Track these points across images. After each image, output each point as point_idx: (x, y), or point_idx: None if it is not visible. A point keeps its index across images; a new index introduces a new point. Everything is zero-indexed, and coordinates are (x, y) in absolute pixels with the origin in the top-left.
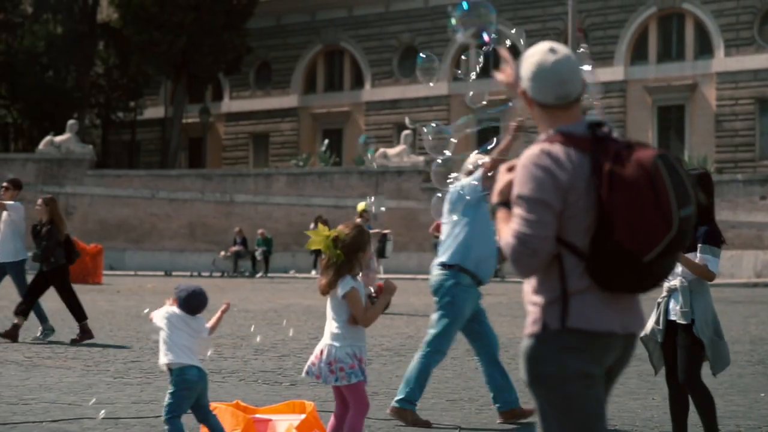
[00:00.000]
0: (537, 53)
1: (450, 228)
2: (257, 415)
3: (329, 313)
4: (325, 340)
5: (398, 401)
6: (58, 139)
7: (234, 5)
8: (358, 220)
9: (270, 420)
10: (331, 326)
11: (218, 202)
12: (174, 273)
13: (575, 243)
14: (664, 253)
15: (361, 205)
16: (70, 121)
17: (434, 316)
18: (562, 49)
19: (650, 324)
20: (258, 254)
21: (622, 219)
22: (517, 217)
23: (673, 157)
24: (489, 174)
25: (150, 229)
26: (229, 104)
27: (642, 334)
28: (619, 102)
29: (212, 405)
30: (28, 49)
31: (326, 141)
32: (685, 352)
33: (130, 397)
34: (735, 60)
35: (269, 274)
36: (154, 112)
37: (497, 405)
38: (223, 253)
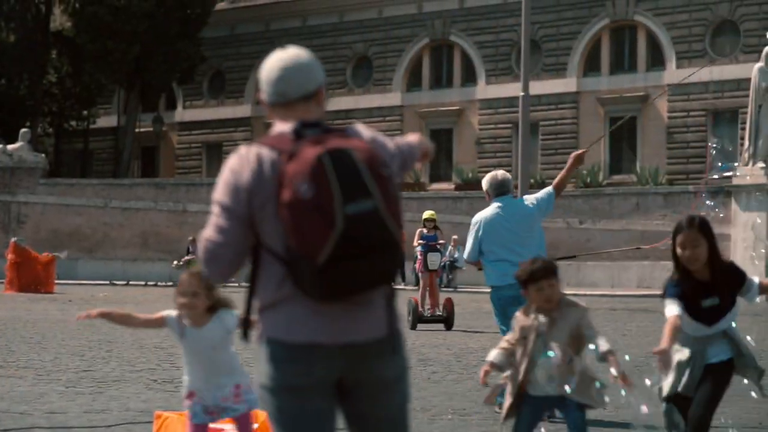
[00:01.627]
0: (269, 57)
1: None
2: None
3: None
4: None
5: None
6: (10, 147)
7: (188, 14)
8: (423, 229)
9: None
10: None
11: (171, 212)
12: (130, 282)
13: (275, 249)
14: (343, 254)
15: (427, 213)
16: (23, 130)
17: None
18: (294, 51)
19: (669, 384)
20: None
21: (289, 220)
22: (209, 222)
23: (358, 150)
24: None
25: (103, 238)
26: (183, 113)
27: (664, 406)
28: (572, 113)
29: (163, 414)
30: None
31: None
32: (716, 389)
33: (81, 407)
34: (686, 72)
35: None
36: (107, 120)
37: None
38: (176, 262)
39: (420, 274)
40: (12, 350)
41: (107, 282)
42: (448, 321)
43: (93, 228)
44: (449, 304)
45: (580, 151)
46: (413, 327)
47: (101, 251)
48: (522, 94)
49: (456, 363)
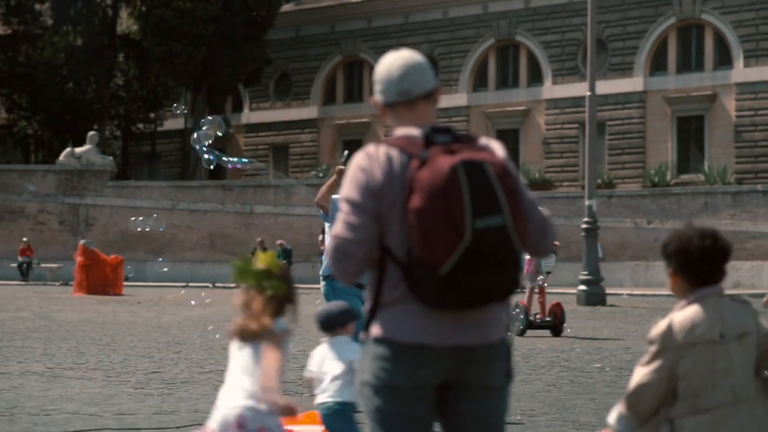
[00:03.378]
0: (382, 59)
1: None
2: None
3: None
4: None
5: None
6: (79, 150)
7: (254, 17)
8: None
9: (290, 431)
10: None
11: (238, 213)
12: (192, 284)
13: (394, 251)
14: (466, 267)
15: None
16: (91, 133)
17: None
18: (409, 52)
19: None
20: None
21: (416, 227)
22: (338, 219)
23: (492, 164)
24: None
25: (170, 240)
26: (249, 115)
27: None
28: (639, 113)
29: None
30: (48, 61)
31: (346, 152)
32: None
33: (150, 408)
34: (754, 70)
35: None
36: (173, 123)
37: None
38: None
39: (528, 278)
40: (81, 352)
41: (176, 284)
42: (557, 327)
43: (162, 231)
44: (558, 310)
45: (340, 167)
46: (522, 333)
47: (169, 253)
48: (588, 93)
49: (524, 364)
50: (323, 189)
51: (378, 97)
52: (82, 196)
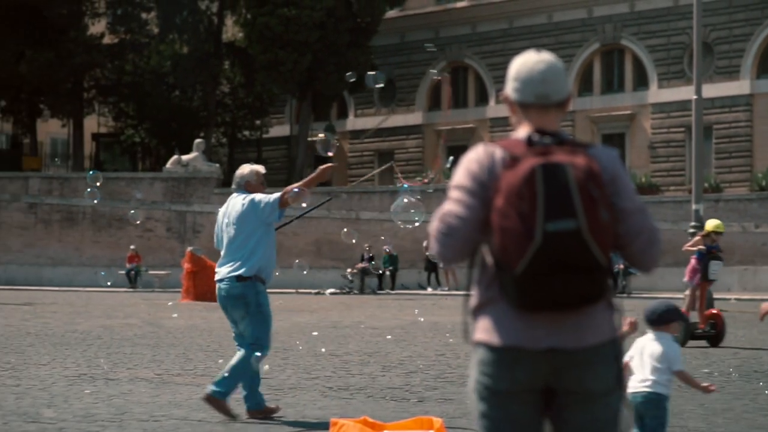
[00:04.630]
0: (522, 56)
1: (243, 239)
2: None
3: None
4: None
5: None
6: (185, 158)
7: (358, 23)
8: (697, 239)
9: (345, 423)
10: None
11: (344, 219)
12: (301, 290)
13: (492, 250)
14: (540, 269)
15: (712, 224)
16: (197, 140)
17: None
18: (550, 55)
19: None
20: (378, 269)
21: (496, 226)
22: (446, 202)
23: (575, 167)
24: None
25: (277, 246)
26: (354, 122)
27: None
28: (746, 116)
29: (339, 421)
30: (154, 69)
31: (451, 158)
32: None
33: None
34: None
35: (394, 291)
36: (279, 130)
37: (247, 404)
38: (349, 270)
39: (691, 283)
40: (189, 358)
41: (284, 290)
42: (717, 338)
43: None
44: (719, 319)
45: (327, 165)
46: (683, 344)
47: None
48: (695, 97)
49: None
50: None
51: (512, 94)
52: (188, 203)
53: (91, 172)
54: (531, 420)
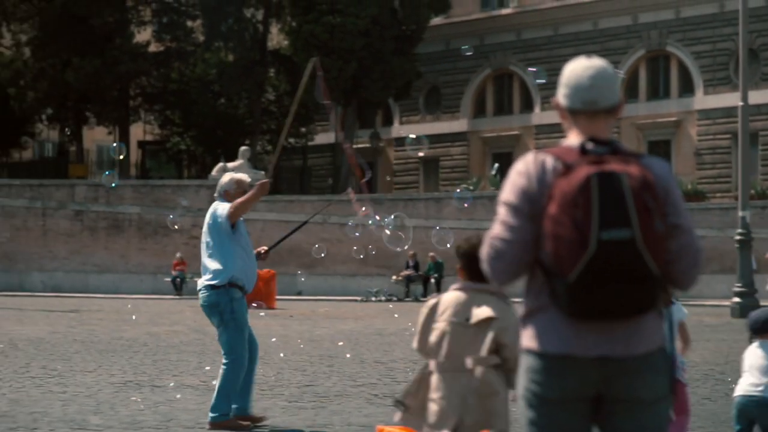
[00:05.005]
0: (572, 63)
1: (215, 249)
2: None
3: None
4: None
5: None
6: (231, 165)
7: (403, 31)
8: None
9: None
10: None
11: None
12: (346, 297)
13: (541, 257)
14: (594, 278)
15: None
16: (242, 148)
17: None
18: (601, 61)
19: None
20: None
21: (549, 233)
22: (495, 221)
23: (630, 177)
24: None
25: (324, 252)
26: (399, 129)
27: None
28: None
29: (385, 429)
30: (200, 77)
31: (496, 165)
32: None
33: (304, 422)
34: None
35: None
36: (324, 137)
37: (234, 406)
38: (395, 277)
39: None
40: None
41: (329, 297)
42: None
43: (312, 244)
44: None
45: (264, 181)
46: None
47: (321, 267)
48: (741, 103)
49: None
50: (239, 202)
51: (562, 100)
52: None
53: (107, 172)
54: (579, 428)
